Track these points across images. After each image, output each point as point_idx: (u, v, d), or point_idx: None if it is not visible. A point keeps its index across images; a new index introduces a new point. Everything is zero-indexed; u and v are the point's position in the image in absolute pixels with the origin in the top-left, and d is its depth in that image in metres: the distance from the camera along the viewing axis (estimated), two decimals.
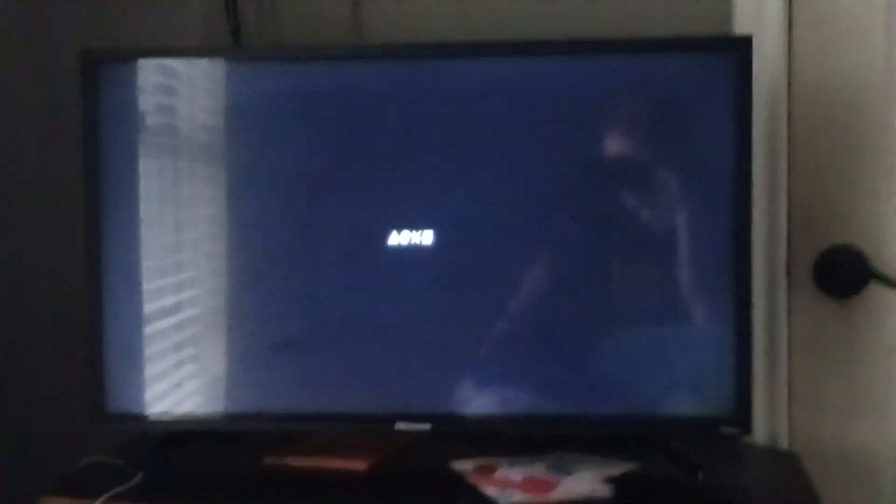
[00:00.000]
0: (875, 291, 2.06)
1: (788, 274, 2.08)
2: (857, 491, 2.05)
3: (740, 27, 2.06)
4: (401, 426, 1.88)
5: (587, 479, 1.80)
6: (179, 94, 1.97)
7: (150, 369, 1.95)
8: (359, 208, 1.91)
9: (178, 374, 1.97)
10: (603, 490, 1.77)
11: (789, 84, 2.08)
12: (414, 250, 1.89)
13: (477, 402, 1.89)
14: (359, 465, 1.90)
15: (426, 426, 1.88)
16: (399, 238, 1.89)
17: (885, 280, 2.02)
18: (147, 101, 1.94)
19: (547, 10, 2.15)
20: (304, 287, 1.94)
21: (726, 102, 1.82)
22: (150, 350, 1.95)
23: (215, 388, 1.96)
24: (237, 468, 1.94)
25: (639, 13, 2.11)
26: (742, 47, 1.82)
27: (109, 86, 1.93)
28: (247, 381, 1.96)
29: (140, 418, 1.95)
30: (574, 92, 1.87)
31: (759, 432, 2.05)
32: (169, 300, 1.96)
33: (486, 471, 1.85)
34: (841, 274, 2.06)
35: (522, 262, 1.90)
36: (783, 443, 2.08)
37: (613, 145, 1.87)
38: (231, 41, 2.23)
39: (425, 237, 1.89)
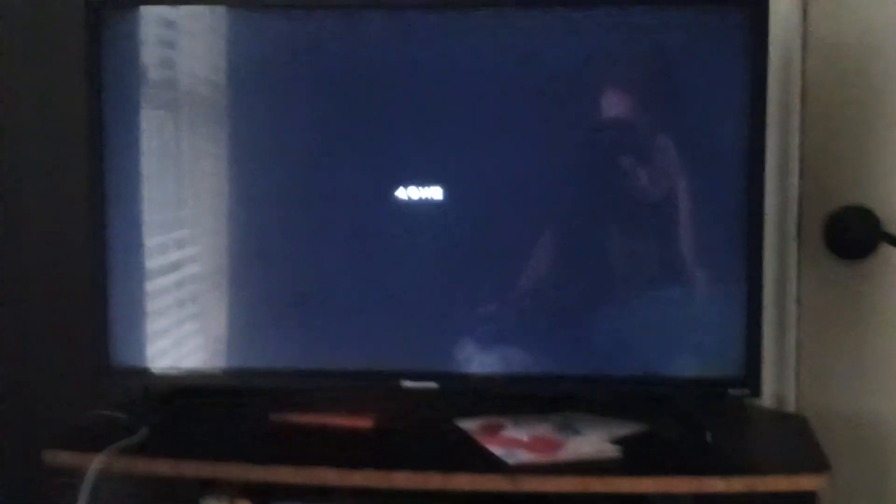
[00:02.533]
0: (886, 253, 2.04)
1: (799, 235, 2.06)
2: (864, 453, 2.05)
3: None
4: (407, 384, 1.87)
5: (594, 439, 1.79)
6: (183, 44, 1.95)
7: (154, 324, 1.94)
8: (365, 163, 1.89)
9: (182, 328, 1.96)
10: (610, 450, 1.76)
11: (803, 42, 2.05)
12: (421, 207, 1.87)
13: (484, 361, 1.88)
14: (365, 422, 1.89)
15: (433, 384, 1.87)
16: (406, 194, 1.87)
17: None
18: (150, 51, 1.92)
19: None
20: (309, 244, 1.93)
21: (741, 61, 1.80)
22: (153, 305, 1.94)
23: (219, 344, 1.95)
24: (242, 425, 1.94)
25: None
26: (758, 4, 1.79)
27: (114, 35, 1.90)
28: (251, 337, 1.95)
29: (144, 373, 1.94)
30: (585, 48, 1.85)
31: (767, 395, 2.03)
32: (173, 255, 1.94)
33: (493, 429, 1.84)
34: (852, 235, 2.05)
35: (531, 223, 1.88)
36: (790, 405, 2.07)
37: (625, 104, 1.86)
38: None
39: (433, 193, 1.87)
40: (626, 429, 1.84)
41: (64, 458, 1.80)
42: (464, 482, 1.70)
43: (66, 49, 2.14)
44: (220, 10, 1.92)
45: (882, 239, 2.01)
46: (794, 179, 2.05)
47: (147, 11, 1.91)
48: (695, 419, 1.84)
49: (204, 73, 1.94)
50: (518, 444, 1.78)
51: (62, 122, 2.25)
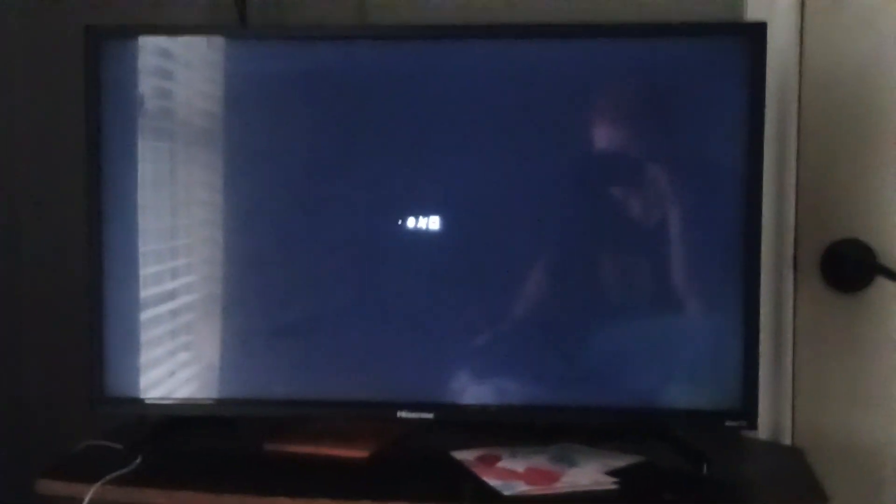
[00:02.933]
0: (882, 286, 2.04)
1: (795, 267, 2.06)
2: (861, 485, 2.04)
3: (752, 13, 2.04)
4: (403, 415, 1.86)
5: (591, 471, 1.79)
6: (181, 73, 1.95)
7: (149, 353, 1.93)
8: (361, 193, 1.89)
9: (177, 358, 1.95)
10: (607, 482, 1.75)
11: (800, 72, 2.05)
12: (417, 236, 1.87)
13: (480, 391, 1.88)
14: (360, 452, 1.88)
15: (429, 415, 1.86)
16: (402, 224, 1.87)
17: (892, 275, 2.00)
18: (149, 80, 1.92)
19: None
20: (304, 273, 1.92)
21: (738, 90, 1.80)
22: (148, 334, 1.93)
23: (214, 372, 1.94)
24: (237, 454, 1.93)
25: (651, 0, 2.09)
26: (755, 33, 1.80)
27: (112, 63, 1.90)
28: (246, 367, 1.94)
29: (138, 402, 1.93)
30: (583, 76, 1.85)
31: (763, 425, 2.03)
32: (168, 285, 1.94)
33: (489, 461, 1.83)
34: (848, 268, 2.05)
35: (528, 250, 1.88)
36: (787, 436, 2.07)
37: (622, 132, 1.86)
38: (237, 19, 2.20)
39: (429, 223, 1.86)
40: (622, 460, 1.83)
41: (58, 487, 1.79)
42: None
43: (65, 77, 2.13)
44: (221, 39, 1.92)
45: (878, 272, 2.02)
46: (791, 209, 2.06)
47: (146, 41, 1.91)
48: (691, 450, 1.83)
49: (201, 102, 1.94)
50: (515, 475, 1.77)
51: (58, 152, 2.25)
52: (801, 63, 2.06)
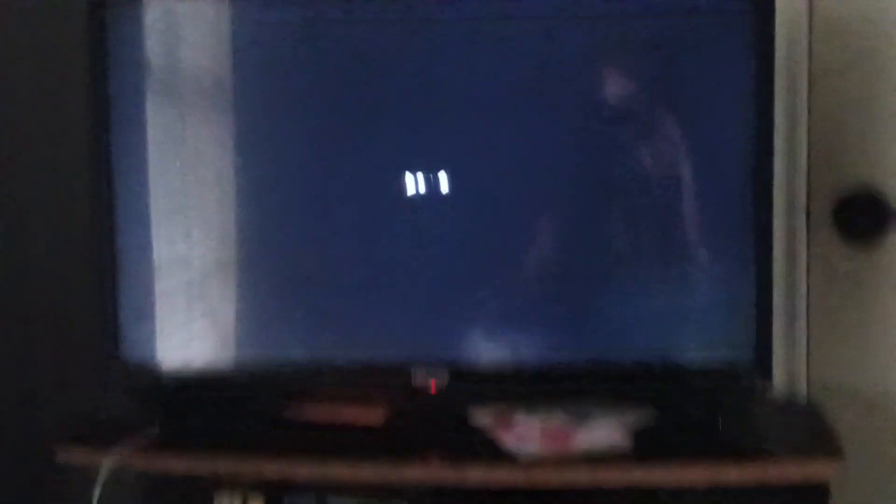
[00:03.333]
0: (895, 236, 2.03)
1: (808, 217, 2.05)
2: (875, 437, 2.04)
3: None
4: (418, 373, 1.87)
5: (606, 429, 1.79)
6: (186, 35, 1.93)
7: (164, 318, 1.93)
8: (371, 150, 1.88)
9: (192, 322, 1.95)
10: (622, 439, 1.76)
11: (809, 22, 2.03)
12: (427, 197, 1.86)
13: (494, 350, 1.88)
14: (376, 415, 1.89)
15: (444, 374, 1.87)
16: (412, 184, 1.86)
17: None
18: (153, 43, 1.90)
19: None
20: (317, 234, 1.92)
21: (747, 39, 1.78)
22: (162, 299, 1.93)
23: (228, 338, 1.94)
24: (253, 419, 1.93)
25: None
26: None
27: (116, 28, 1.89)
28: (260, 331, 1.94)
29: (154, 367, 1.93)
30: (590, 33, 1.83)
31: (777, 377, 2.02)
32: (182, 250, 1.94)
33: (504, 421, 1.84)
34: (861, 218, 2.04)
35: (538, 208, 1.87)
36: (801, 388, 2.07)
37: (631, 89, 1.84)
38: None
39: (439, 180, 1.86)
40: (636, 416, 1.84)
41: (77, 454, 1.81)
42: (476, 475, 1.71)
43: (69, 44, 2.12)
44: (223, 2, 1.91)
45: (891, 221, 2.01)
46: (803, 159, 2.04)
47: (149, 5, 1.89)
48: (706, 405, 1.84)
49: (208, 63, 1.92)
50: (530, 435, 1.77)
51: (66, 118, 2.24)
52: (809, 10, 2.03)
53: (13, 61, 2.28)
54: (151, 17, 1.90)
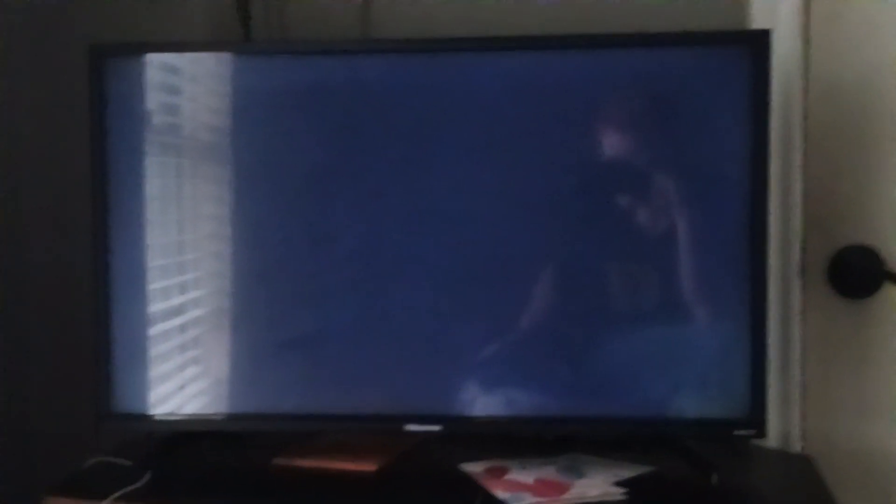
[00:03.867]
0: (890, 292, 2.03)
1: (802, 274, 2.05)
2: (871, 493, 2.03)
3: (756, 21, 2.04)
4: (411, 428, 1.86)
5: (600, 482, 1.78)
6: (187, 89, 1.95)
7: (156, 369, 1.93)
8: (367, 206, 1.89)
9: (185, 374, 1.95)
10: (616, 493, 1.75)
11: (805, 79, 2.05)
12: (424, 249, 1.87)
13: (488, 403, 1.87)
14: (368, 466, 1.88)
15: (437, 427, 1.86)
16: (408, 237, 1.87)
17: None
18: (154, 97, 1.92)
19: (559, 4, 2.12)
20: (312, 287, 1.92)
21: (743, 98, 1.80)
22: (155, 350, 1.93)
23: (221, 388, 1.94)
24: (245, 469, 1.92)
25: (654, 9, 2.09)
26: (760, 41, 1.79)
27: (117, 80, 1.91)
28: (254, 381, 1.94)
29: (146, 418, 1.93)
30: (588, 87, 1.85)
31: (773, 434, 2.02)
32: (176, 300, 1.94)
33: (497, 473, 1.83)
34: (855, 274, 2.04)
35: (534, 261, 1.88)
36: (796, 445, 2.06)
37: (628, 141, 1.85)
38: (241, 35, 2.20)
39: (436, 236, 1.86)
40: (631, 471, 1.83)
41: None
42: None
43: (71, 94, 2.14)
44: (226, 55, 1.93)
45: (886, 278, 2.01)
46: (798, 216, 2.05)
47: (150, 58, 1.91)
48: (701, 460, 1.83)
49: (206, 117, 1.94)
50: (523, 487, 1.76)
51: (65, 168, 2.26)
52: (805, 70, 2.05)
53: (13, 112, 2.30)
54: (151, 68, 1.92)
